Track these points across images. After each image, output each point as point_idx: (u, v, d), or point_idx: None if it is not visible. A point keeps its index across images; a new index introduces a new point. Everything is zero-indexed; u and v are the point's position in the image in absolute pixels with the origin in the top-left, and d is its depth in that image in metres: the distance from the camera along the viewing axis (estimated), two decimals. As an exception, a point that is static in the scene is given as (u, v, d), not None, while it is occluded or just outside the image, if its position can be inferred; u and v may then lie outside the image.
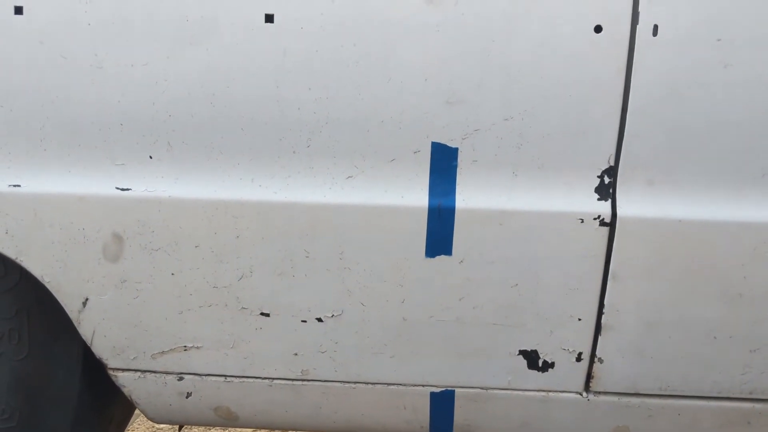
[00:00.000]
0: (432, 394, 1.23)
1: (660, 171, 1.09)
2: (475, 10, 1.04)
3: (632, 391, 1.21)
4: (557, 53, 1.06)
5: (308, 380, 1.23)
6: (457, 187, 1.11)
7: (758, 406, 1.22)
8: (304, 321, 1.18)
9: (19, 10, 1.06)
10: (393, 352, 1.20)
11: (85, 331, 1.20)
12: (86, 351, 1.25)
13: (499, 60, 1.06)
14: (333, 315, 1.18)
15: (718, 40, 1.04)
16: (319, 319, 1.18)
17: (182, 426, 1.42)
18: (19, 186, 1.12)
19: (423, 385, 1.23)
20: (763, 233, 1.09)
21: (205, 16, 1.06)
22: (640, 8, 1.04)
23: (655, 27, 1.04)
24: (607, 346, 1.17)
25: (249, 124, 1.10)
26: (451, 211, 1.11)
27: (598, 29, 1.05)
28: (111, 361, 1.23)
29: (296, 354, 1.21)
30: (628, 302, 1.14)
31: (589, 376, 1.20)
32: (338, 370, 1.22)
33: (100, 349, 1.21)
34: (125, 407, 1.52)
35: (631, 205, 1.10)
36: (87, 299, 1.17)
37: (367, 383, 1.23)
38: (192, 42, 1.06)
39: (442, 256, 1.13)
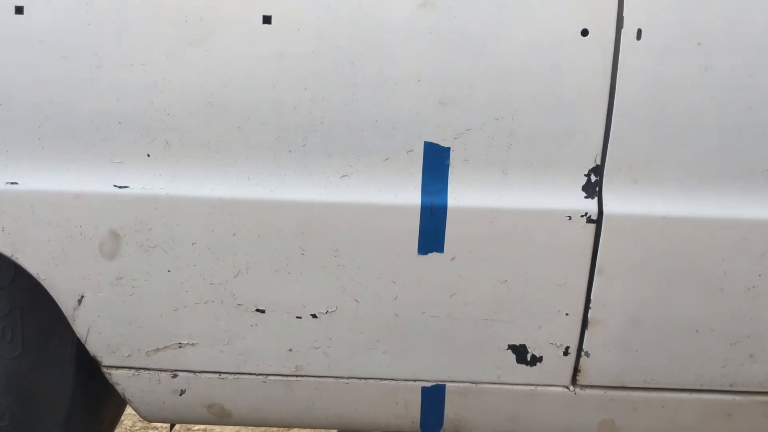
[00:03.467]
0: (423, 389, 1.26)
1: (644, 170, 1.14)
2: (466, 14, 1.08)
3: (617, 385, 1.24)
4: (545, 55, 1.10)
5: (302, 376, 1.25)
6: (449, 185, 1.14)
7: (738, 398, 1.26)
8: (299, 317, 1.20)
9: (19, 10, 1.08)
10: (385, 347, 1.23)
11: (79, 328, 1.21)
12: (80, 349, 1.25)
13: (489, 62, 1.10)
14: (327, 311, 1.20)
15: (699, 44, 1.08)
16: (314, 315, 1.20)
17: (174, 425, 1.42)
18: (16, 183, 1.13)
19: (414, 380, 1.25)
20: (742, 230, 1.14)
21: (204, 18, 1.08)
22: (625, 13, 1.08)
23: (639, 31, 1.08)
24: (594, 341, 1.21)
25: (246, 123, 1.12)
26: (443, 209, 1.14)
27: (584, 33, 1.09)
28: (105, 359, 1.23)
29: (290, 350, 1.23)
30: (614, 297, 1.18)
31: (575, 370, 1.24)
32: (332, 366, 1.24)
33: (95, 346, 1.22)
34: (117, 407, 1.52)
35: (616, 202, 1.14)
36: (82, 297, 1.18)
37: (360, 378, 1.25)
38: (191, 43, 1.09)
39: (434, 254, 1.16)
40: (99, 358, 1.23)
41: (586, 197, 1.14)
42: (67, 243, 1.15)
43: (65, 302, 1.19)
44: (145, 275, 1.17)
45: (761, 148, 1.13)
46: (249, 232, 1.15)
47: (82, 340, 1.22)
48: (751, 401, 1.26)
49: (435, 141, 1.13)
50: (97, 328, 1.21)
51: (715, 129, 1.12)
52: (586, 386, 1.25)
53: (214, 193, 1.13)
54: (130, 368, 1.24)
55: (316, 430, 1.71)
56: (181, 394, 1.27)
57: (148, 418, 1.31)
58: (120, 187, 1.13)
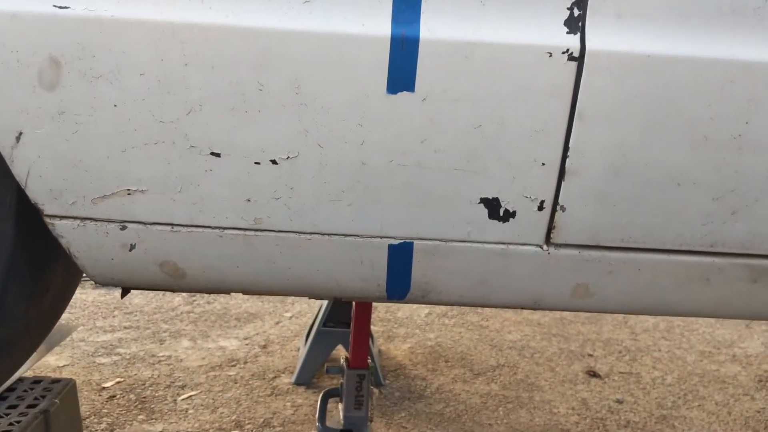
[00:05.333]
0: (390, 246, 1.19)
1: (629, 4, 1.06)
2: None
3: (594, 243, 1.18)
4: None
5: (261, 230, 1.17)
6: (422, 15, 1.06)
7: (718, 260, 1.21)
8: (258, 163, 1.12)
9: None
10: (351, 199, 1.15)
11: (18, 170, 1.11)
12: (20, 198, 1.16)
13: None
14: (288, 157, 1.12)
15: None
16: (274, 161, 1.12)
17: (126, 291, 1.34)
18: (-57, 0, 1.02)
19: (381, 237, 1.18)
20: (730, 72, 1.07)
21: None
22: None
23: None
24: (571, 193, 1.14)
25: (200, -61, 1.02)
26: (415, 41, 1.05)
27: None
28: (47, 207, 1.14)
29: (249, 200, 1.14)
30: (594, 145, 1.11)
31: (550, 227, 1.17)
32: (293, 219, 1.16)
33: (36, 192, 1.13)
34: (65, 280, 1.43)
35: (600, 38, 1.07)
36: (21, 133, 1.08)
37: (324, 234, 1.18)
38: None
39: (405, 93, 1.08)
40: (41, 206, 1.14)
41: (568, 32, 1.07)
42: (2, 71, 1.05)
43: (2, 140, 1.09)
44: (89, 109, 1.07)
45: (754, -16, 1.05)
46: (202, 62, 1.05)
47: (22, 184, 1.12)
48: (731, 264, 1.21)
49: (407, -34, 1.04)
50: (38, 170, 1.11)
51: (707, -40, 1.04)
52: (561, 245, 1.19)
53: (163, 16, 1.03)
54: (75, 218, 1.15)
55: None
56: (131, 250, 1.18)
57: (97, 279, 1.23)
58: (60, 7, 1.03)
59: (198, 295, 3.46)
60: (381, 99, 1.08)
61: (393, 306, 3.45)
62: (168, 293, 3.47)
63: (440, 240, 1.18)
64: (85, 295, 3.39)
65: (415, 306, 3.46)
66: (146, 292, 3.46)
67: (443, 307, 3.45)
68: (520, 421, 2.36)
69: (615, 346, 3.09)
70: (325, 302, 2.60)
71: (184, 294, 3.46)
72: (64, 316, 3.07)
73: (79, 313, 3.17)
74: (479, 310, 3.46)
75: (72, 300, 3.23)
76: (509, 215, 1.16)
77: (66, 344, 2.79)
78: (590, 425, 2.36)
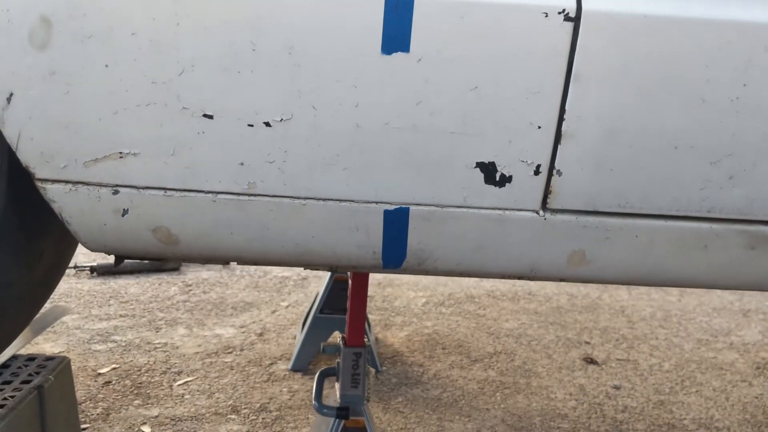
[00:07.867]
0: (386, 212, 1.18)
1: (626, -37, 1.05)
2: None
3: (590, 209, 1.17)
4: None
5: (255, 195, 1.16)
6: (416, -26, 1.05)
7: (715, 226, 1.20)
8: (251, 125, 1.11)
9: None
10: (346, 164, 1.14)
11: (9, 132, 1.10)
12: (12, 162, 1.14)
13: None
14: (282, 119, 1.10)
15: None
16: (267, 124, 1.11)
17: (119, 260, 1.32)
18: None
19: (377, 203, 1.17)
20: (727, 32, 1.06)
21: None
22: None
23: None
24: (567, 157, 1.13)
25: None
26: (409, 1, 1.04)
27: None
28: (39, 170, 1.13)
29: (242, 164, 1.13)
30: (590, 107, 1.10)
31: (546, 192, 1.16)
32: (287, 184, 1.15)
33: (27, 154, 1.11)
34: (59, 249, 1.41)
35: (596, -2, 1.05)
36: (12, 94, 1.07)
37: (318, 199, 1.16)
38: None
39: (399, 54, 1.07)
40: (32, 169, 1.13)
41: (564, -8, 1.05)
42: (-7, 30, 1.04)
43: (-8, 100, 1.08)
44: (80, 70, 1.06)
45: (752, -57, 1.04)
46: (194, 21, 1.04)
47: (13, 146, 1.11)
48: (728, 230, 1.20)
49: (401, -76, 1.03)
50: (29, 133, 1.10)
51: None
52: (557, 211, 1.18)
53: (156, -26, 1.02)
54: (67, 182, 1.14)
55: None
56: (123, 215, 1.17)
57: (89, 246, 1.21)
58: (51, -35, 1.02)
59: (194, 284, 3.44)
60: (375, 60, 1.07)
61: (390, 295, 3.44)
62: (164, 282, 3.45)
63: (436, 205, 1.17)
64: (80, 284, 3.37)
65: (412, 295, 3.45)
66: (142, 281, 3.45)
67: (440, 296, 3.44)
68: (518, 406, 2.35)
69: (612, 334, 3.08)
70: (322, 289, 2.59)
71: (180, 283, 3.45)
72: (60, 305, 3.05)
73: (75, 301, 3.15)
74: (476, 299, 3.45)
75: (68, 289, 3.22)
76: (505, 180, 1.15)
77: (61, 331, 2.78)
78: (588, 410, 2.35)
